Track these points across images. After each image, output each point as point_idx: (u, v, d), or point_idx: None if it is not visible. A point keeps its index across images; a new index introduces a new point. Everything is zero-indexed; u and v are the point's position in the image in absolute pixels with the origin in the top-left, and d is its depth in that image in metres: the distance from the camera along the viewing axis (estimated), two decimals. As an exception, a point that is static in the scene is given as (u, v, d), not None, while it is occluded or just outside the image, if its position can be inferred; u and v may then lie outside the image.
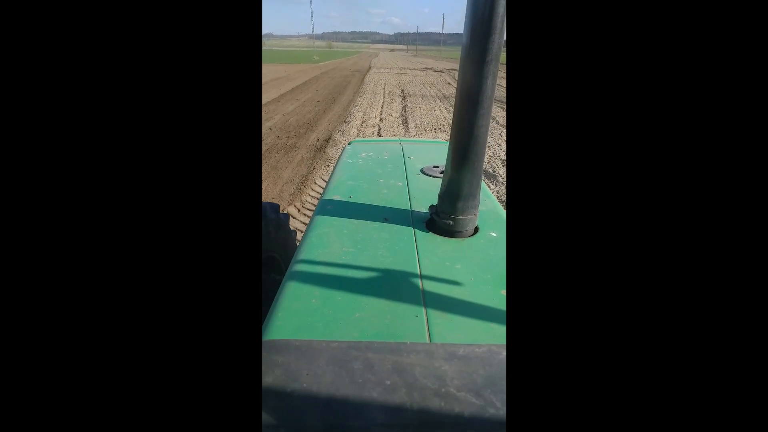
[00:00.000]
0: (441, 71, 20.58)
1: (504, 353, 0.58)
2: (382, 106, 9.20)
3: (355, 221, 1.01)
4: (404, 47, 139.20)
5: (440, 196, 0.96)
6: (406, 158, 1.54)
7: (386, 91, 11.97)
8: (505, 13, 0.72)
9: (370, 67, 23.75)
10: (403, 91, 12.12)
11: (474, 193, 0.91)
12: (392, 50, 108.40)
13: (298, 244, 1.07)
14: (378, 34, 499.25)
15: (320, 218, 1.04)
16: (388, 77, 16.77)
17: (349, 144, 1.80)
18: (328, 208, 1.09)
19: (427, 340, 0.62)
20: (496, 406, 0.51)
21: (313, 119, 7.56)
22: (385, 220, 1.02)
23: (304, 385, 0.53)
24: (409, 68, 23.75)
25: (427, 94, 11.48)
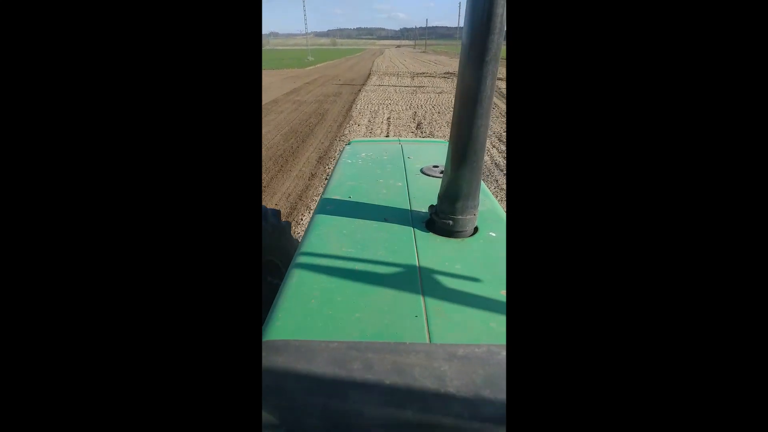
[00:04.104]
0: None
1: (504, 353, 0.59)
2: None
3: (355, 221, 1.02)
4: (411, 42, 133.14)
5: (440, 196, 0.96)
6: (406, 158, 1.54)
7: (389, 137, 6.07)
8: (504, 13, 0.73)
9: (370, 74, 16.80)
10: (422, 133, 6.20)
11: (473, 193, 0.92)
12: (398, 46, 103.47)
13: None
14: (383, 29, 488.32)
15: (320, 218, 1.04)
16: (396, 97, 9.82)
17: (349, 144, 1.78)
18: (327, 208, 1.10)
19: (427, 341, 0.63)
20: (496, 406, 0.51)
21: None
22: (385, 220, 1.02)
23: (304, 385, 0.53)
24: (424, 74, 16.50)
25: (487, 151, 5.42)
